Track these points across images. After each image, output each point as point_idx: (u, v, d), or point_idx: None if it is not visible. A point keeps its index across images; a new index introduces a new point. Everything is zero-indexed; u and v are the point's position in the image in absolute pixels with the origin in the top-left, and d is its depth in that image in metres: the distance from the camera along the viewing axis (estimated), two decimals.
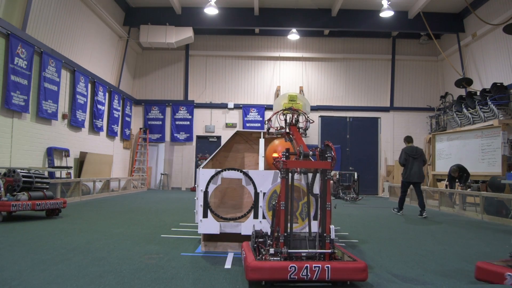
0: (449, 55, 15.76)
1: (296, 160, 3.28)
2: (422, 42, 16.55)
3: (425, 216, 8.18)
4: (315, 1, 14.56)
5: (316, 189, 4.10)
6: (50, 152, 10.05)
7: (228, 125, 16.89)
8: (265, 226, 4.04)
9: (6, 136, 8.57)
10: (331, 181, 3.50)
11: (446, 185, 11.12)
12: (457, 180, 10.45)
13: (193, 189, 16.00)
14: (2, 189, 6.14)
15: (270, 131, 4.31)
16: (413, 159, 8.47)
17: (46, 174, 9.20)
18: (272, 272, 2.87)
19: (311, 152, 3.29)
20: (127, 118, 15.95)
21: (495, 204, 8.17)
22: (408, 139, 8.94)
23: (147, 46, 16.08)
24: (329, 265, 2.92)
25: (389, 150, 16.78)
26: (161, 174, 16.72)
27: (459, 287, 3.21)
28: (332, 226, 3.18)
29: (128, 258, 3.82)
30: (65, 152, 10.75)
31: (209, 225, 4.09)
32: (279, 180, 4.10)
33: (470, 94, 13.17)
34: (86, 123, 12.36)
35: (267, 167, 5.04)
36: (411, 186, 8.79)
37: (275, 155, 4.19)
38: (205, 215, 4.09)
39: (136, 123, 16.98)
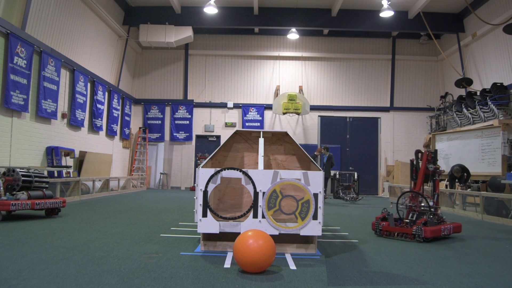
0: (449, 55, 15.76)
1: None
2: (422, 42, 16.55)
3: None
4: (315, 1, 14.56)
5: (315, 189, 4.11)
6: (50, 152, 10.04)
7: (227, 125, 16.88)
8: (264, 225, 4.03)
9: (5, 135, 8.56)
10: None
11: (446, 185, 11.11)
12: (457, 180, 10.45)
13: (193, 189, 15.99)
14: (1, 188, 6.13)
15: None
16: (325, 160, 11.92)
17: (45, 173, 9.19)
18: None
19: None
20: (126, 118, 15.94)
21: (495, 204, 8.17)
22: (326, 148, 12.46)
23: (147, 46, 16.07)
24: None
25: (389, 150, 16.78)
26: (161, 173, 16.71)
27: (459, 287, 3.20)
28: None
29: (128, 258, 3.81)
30: (65, 152, 10.74)
31: (209, 225, 4.08)
32: (278, 179, 4.11)
33: (470, 94, 13.17)
34: (86, 123, 12.35)
35: (267, 166, 5.04)
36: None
37: None
38: (204, 215, 4.08)
39: (136, 123, 16.97)
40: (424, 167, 5.78)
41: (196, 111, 16.93)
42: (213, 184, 4.12)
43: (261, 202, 4.06)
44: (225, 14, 14.90)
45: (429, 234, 5.08)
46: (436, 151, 6.12)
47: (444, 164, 12.91)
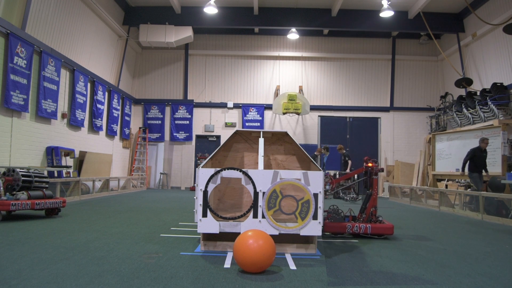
0: (449, 55, 15.76)
1: None
2: (422, 42, 16.55)
3: None
4: (315, 1, 14.56)
5: (315, 189, 4.11)
6: (50, 152, 10.04)
7: (227, 125, 16.89)
8: (264, 225, 4.03)
9: (5, 135, 8.56)
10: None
11: (446, 185, 11.09)
12: (469, 183, 10.33)
13: (193, 189, 15.99)
14: (1, 188, 6.13)
15: None
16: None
17: (45, 173, 9.19)
18: None
19: None
20: (126, 118, 15.94)
21: (495, 204, 8.17)
22: (326, 148, 13.48)
23: (147, 46, 16.07)
24: None
25: (389, 150, 16.78)
26: (161, 173, 16.71)
27: (459, 287, 3.20)
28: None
29: (128, 257, 3.81)
30: (65, 152, 10.74)
31: (209, 225, 4.08)
32: (278, 179, 4.11)
33: (470, 94, 13.17)
34: (86, 123, 12.35)
35: (267, 166, 5.03)
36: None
37: None
38: (204, 215, 4.08)
39: (136, 123, 16.98)
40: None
41: (196, 111, 16.93)
42: (213, 184, 4.12)
43: (261, 202, 4.06)
44: (225, 14, 14.91)
45: (328, 229, 5.39)
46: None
47: (444, 165, 12.92)
